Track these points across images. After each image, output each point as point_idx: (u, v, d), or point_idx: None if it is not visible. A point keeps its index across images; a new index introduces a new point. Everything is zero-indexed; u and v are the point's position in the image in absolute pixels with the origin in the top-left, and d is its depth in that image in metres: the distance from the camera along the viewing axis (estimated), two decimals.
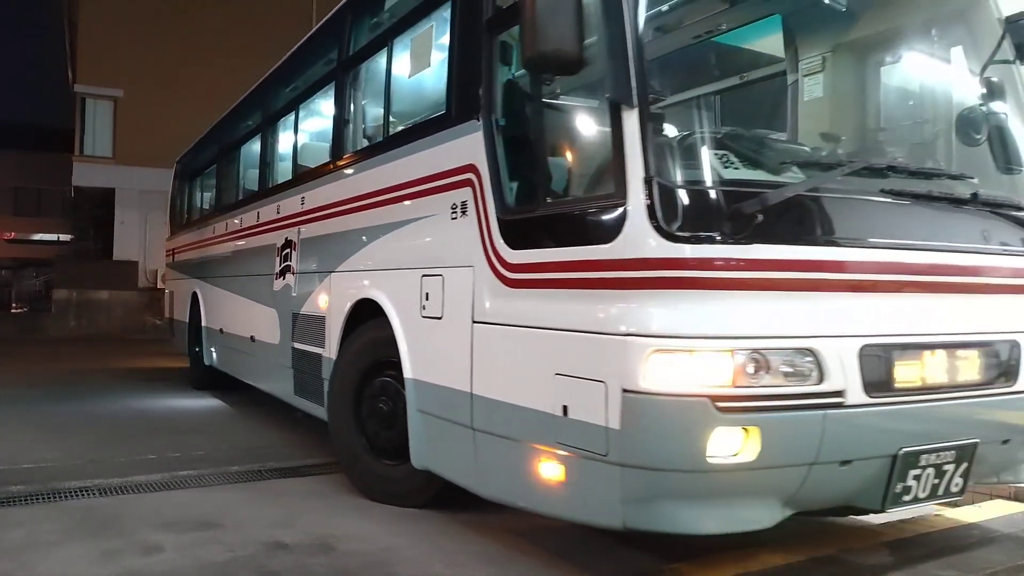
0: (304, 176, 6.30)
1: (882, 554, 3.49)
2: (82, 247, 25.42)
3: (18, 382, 10.33)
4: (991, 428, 3.35)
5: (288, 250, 6.35)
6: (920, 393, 3.11)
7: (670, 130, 3.10)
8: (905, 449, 3.03)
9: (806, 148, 3.86)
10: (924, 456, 3.09)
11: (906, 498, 3.11)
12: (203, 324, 9.38)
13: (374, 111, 5.22)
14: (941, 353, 3.18)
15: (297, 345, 5.96)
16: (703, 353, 2.68)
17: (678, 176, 2.82)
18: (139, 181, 22.42)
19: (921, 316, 3.17)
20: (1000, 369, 3.37)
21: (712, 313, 2.75)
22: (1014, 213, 3.53)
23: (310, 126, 6.77)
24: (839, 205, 3.08)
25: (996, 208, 3.49)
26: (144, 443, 6.27)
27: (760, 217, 2.76)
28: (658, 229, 2.72)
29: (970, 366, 3.27)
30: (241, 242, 7.97)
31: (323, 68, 6.12)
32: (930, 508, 4.19)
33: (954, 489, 3.24)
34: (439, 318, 3.92)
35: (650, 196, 2.73)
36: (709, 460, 2.70)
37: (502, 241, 3.40)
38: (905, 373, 3.07)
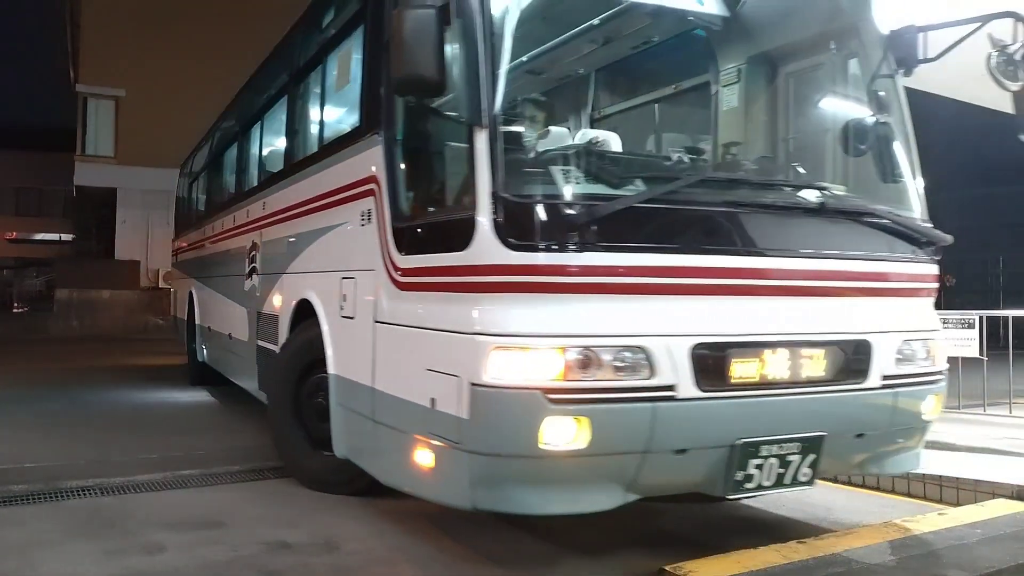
0: (264, 183, 6.67)
1: (885, 553, 3.48)
2: (84, 247, 25.47)
3: (20, 381, 10.34)
4: (840, 422, 3.54)
5: (254, 252, 6.67)
6: (758, 388, 3.32)
7: (519, 148, 3.39)
8: (743, 440, 3.25)
9: (662, 161, 4.10)
10: (765, 447, 3.30)
11: (748, 485, 3.33)
12: (196, 322, 9.56)
13: (312, 124, 5.58)
14: (783, 351, 3.38)
15: (259, 342, 6.18)
16: (536, 350, 2.95)
17: (521, 190, 3.08)
18: (141, 181, 22.44)
19: (762, 317, 3.38)
20: (849, 367, 3.55)
21: (546, 314, 3.02)
22: (868, 220, 3.71)
23: (270, 136, 7.10)
24: (673, 215, 3.29)
25: (849, 216, 3.70)
26: (146, 442, 6.27)
27: (594, 227, 3.03)
28: (501, 238, 3.01)
29: (816, 364, 3.46)
30: (223, 244, 8.24)
31: (277, 83, 6.65)
32: (924, 511, 4.20)
33: (802, 479, 3.44)
34: (352, 318, 4.17)
35: (495, 208, 3.01)
36: (543, 447, 2.95)
37: (394, 246, 3.65)
38: (742, 369, 3.28)
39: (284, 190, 5.84)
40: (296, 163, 5.69)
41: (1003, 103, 4.26)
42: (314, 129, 5.47)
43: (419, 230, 3.56)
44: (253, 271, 6.66)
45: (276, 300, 5.77)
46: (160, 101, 22.73)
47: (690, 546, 3.91)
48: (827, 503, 4.85)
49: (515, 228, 3.02)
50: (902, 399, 3.70)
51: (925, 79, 9.31)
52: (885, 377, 3.63)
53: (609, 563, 3.70)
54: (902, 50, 4.07)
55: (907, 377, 3.71)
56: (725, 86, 4.70)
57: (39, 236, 38.01)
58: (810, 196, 3.73)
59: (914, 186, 4.05)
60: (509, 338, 2.97)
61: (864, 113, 4.23)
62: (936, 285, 3.98)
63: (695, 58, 4.92)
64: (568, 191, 3.18)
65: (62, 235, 34.40)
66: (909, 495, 4.99)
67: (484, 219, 3.04)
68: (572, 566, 3.67)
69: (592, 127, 4.30)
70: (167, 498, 4.73)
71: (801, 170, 4.22)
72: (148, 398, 8.92)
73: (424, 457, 3.34)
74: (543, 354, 2.96)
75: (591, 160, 3.45)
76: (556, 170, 3.26)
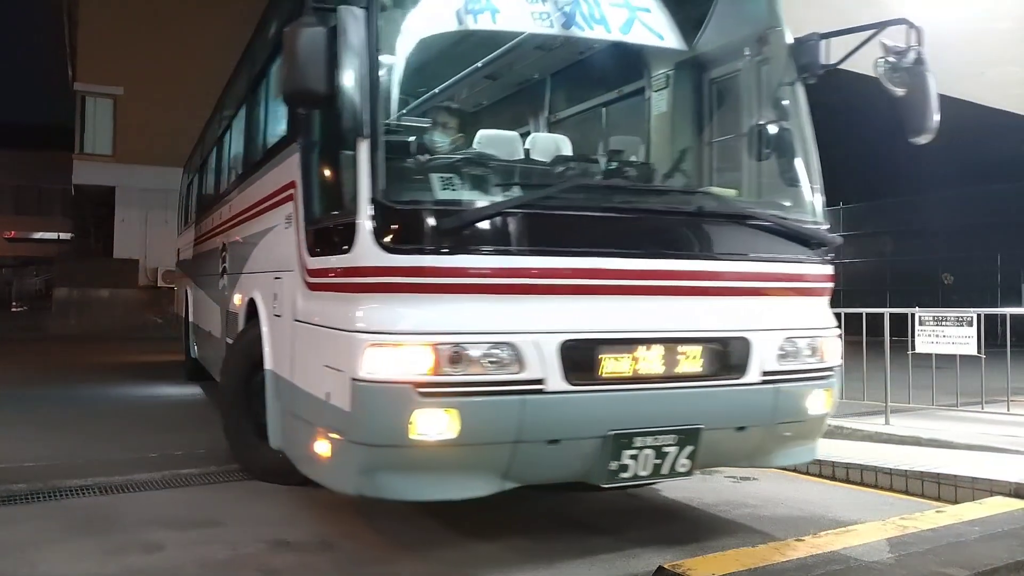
0: (229, 187, 6.97)
1: (883, 550, 3.49)
2: (82, 245, 25.43)
3: (19, 380, 10.34)
4: (718, 416, 3.65)
5: (224, 253, 6.89)
6: (631, 382, 3.46)
7: (401, 157, 3.58)
8: (615, 431, 3.38)
9: (538, 168, 4.28)
10: (639, 438, 3.44)
11: (624, 475, 3.46)
12: (189, 319, 9.69)
13: (259, 132, 5.83)
14: (657, 348, 3.51)
15: (227, 339, 6.37)
16: (407, 347, 3.14)
17: (399, 197, 3.27)
18: (139, 179, 22.41)
19: (635, 315, 3.52)
20: (726, 363, 3.68)
21: (419, 313, 3.21)
22: (748, 223, 3.84)
23: (235, 141, 7.30)
24: (544, 220, 3.44)
25: (728, 219, 3.87)
26: (146, 440, 6.28)
27: (465, 231, 3.23)
28: (378, 242, 3.20)
29: (692, 360, 3.59)
30: (206, 244, 8.52)
31: (238, 90, 7.09)
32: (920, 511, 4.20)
33: (681, 469, 3.57)
34: (280, 316, 4.38)
35: (373, 213, 3.20)
36: (415, 437, 3.13)
37: (306, 248, 3.83)
38: (614, 365, 3.43)
39: (241, 194, 6.10)
40: (248, 168, 5.96)
41: (998, 101, 4.29)
42: (259, 137, 5.73)
43: (322, 233, 3.73)
44: (224, 271, 6.87)
45: (236, 299, 6.00)
46: (158, 99, 22.63)
47: (689, 544, 3.92)
48: (825, 501, 4.86)
49: (391, 232, 3.21)
50: (784, 395, 3.80)
51: None
52: (765, 373, 3.73)
53: (612, 560, 3.71)
54: (806, 57, 4.20)
55: (790, 373, 3.81)
56: (619, 99, 5.05)
57: (38, 235, 37.99)
58: (685, 201, 3.96)
59: (811, 189, 4.15)
60: (383, 336, 3.16)
61: (765, 119, 4.39)
62: (829, 285, 4.09)
63: (597, 71, 5.10)
64: (443, 198, 3.38)
65: (61, 234, 34.36)
66: (907, 492, 5.00)
67: (363, 224, 3.22)
68: (574, 562, 3.68)
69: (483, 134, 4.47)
70: (166, 497, 4.73)
71: (683, 175, 4.33)
72: (146, 394, 8.93)
73: (322, 447, 3.53)
74: (414, 350, 3.14)
75: (468, 168, 3.63)
76: (434, 178, 3.48)
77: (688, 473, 3.63)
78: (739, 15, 4.55)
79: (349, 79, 3.17)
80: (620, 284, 3.51)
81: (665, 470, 3.53)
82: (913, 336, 6.88)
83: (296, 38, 3.18)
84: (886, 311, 7.09)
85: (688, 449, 3.54)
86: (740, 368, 3.69)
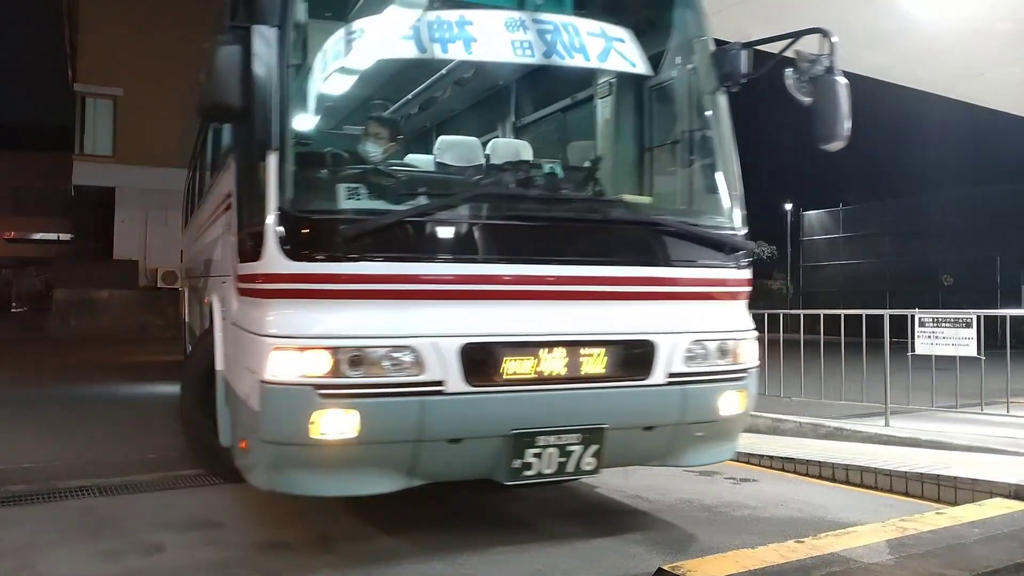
0: (203, 192, 7.19)
1: (883, 552, 3.49)
2: (82, 246, 25.41)
3: (18, 381, 10.34)
4: (623, 416, 3.74)
5: (201, 256, 7.06)
6: (533, 383, 3.56)
7: (307, 169, 3.65)
8: (517, 431, 3.48)
9: (453, 177, 4.37)
10: (542, 438, 3.53)
11: (528, 473, 3.54)
12: (186, 320, 9.79)
13: (220, 139, 5.90)
14: (560, 350, 3.60)
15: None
16: (308, 350, 3.25)
17: (304, 207, 3.38)
18: (139, 180, 22.39)
19: (538, 319, 3.62)
20: (631, 364, 3.76)
21: (320, 318, 3.33)
22: (656, 230, 3.96)
23: (207, 146, 7.36)
24: (445, 228, 3.58)
25: (634, 226, 3.98)
26: (144, 442, 6.27)
27: (367, 239, 3.36)
28: (283, 250, 3.31)
29: (595, 362, 3.69)
30: (194, 245, 8.66)
31: None
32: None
33: (587, 467, 3.65)
34: (225, 319, 4.46)
35: (279, 223, 3.32)
36: (317, 436, 3.26)
37: (236, 255, 3.89)
38: (515, 367, 3.53)
39: (206, 200, 6.29)
40: (212, 174, 6.20)
41: (998, 102, 4.30)
42: (220, 144, 5.82)
43: (245, 241, 3.79)
44: (207, 274, 7.05)
45: (204, 301, 6.19)
46: (158, 100, 22.61)
47: (688, 545, 3.92)
48: (825, 502, 4.86)
49: (295, 241, 3.33)
50: (692, 395, 3.88)
51: (919, 77, 9.34)
52: (671, 375, 3.81)
53: (611, 560, 3.71)
54: (728, 66, 4.27)
55: (698, 375, 3.89)
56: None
57: (37, 236, 37.96)
58: (589, 209, 4.08)
59: (728, 196, 4.22)
60: (286, 339, 3.28)
61: (683, 128, 4.53)
62: (744, 289, 4.17)
63: (520, 85, 5.39)
64: (345, 207, 3.51)
65: (60, 235, 34.36)
66: (907, 494, 5.00)
67: (270, 232, 3.34)
68: (577, 560, 3.68)
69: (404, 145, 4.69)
70: (166, 498, 4.73)
71: (593, 184, 4.42)
72: (145, 395, 8.92)
73: (244, 445, 3.69)
74: (314, 354, 3.26)
75: (375, 178, 3.74)
76: (340, 188, 3.61)
77: (595, 471, 3.71)
78: (664, 29, 4.63)
79: (259, 94, 3.33)
80: (521, 289, 3.62)
81: (571, 468, 3.63)
82: (913, 337, 6.88)
83: (211, 54, 3.31)
84: (886, 312, 7.09)
85: (593, 448, 3.64)
86: (645, 369, 3.77)
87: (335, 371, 3.26)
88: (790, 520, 4.47)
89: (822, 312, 7.55)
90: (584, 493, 4.96)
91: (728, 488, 5.24)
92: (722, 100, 4.29)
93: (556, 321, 3.65)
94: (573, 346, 3.64)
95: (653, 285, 3.89)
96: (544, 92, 5.37)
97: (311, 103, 3.90)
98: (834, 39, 4.01)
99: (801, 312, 7.95)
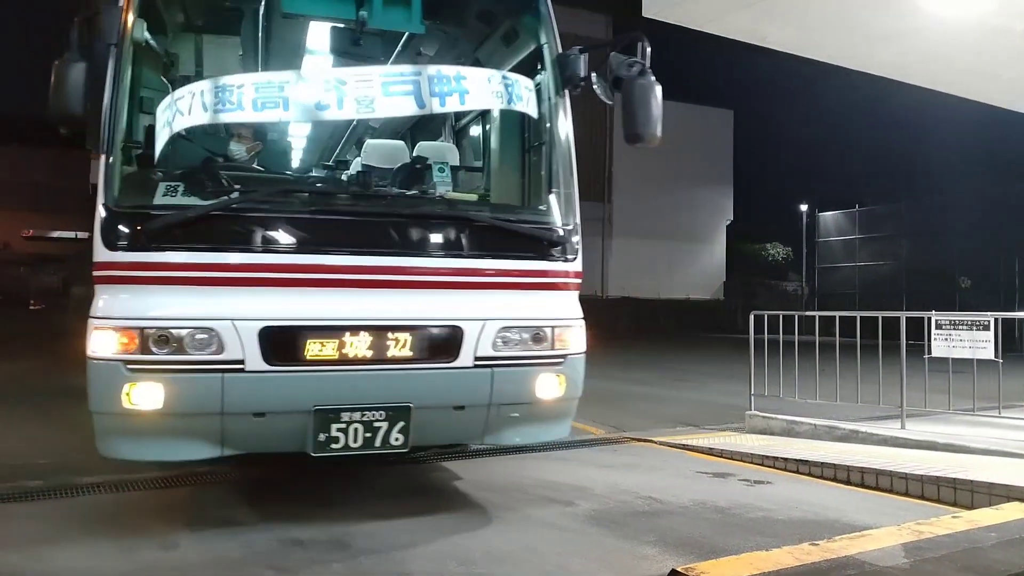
0: None
1: (898, 556, 3.47)
2: None
3: (34, 378, 10.42)
4: (430, 396, 4.01)
5: None
6: (336, 364, 3.86)
7: (130, 170, 4.04)
8: (320, 407, 3.78)
9: (270, 175, 4.62)
10: (346, 414, 3.82)
11: (335, 446, 3.82)
12: None
13: None
14: (364, 334, 3.90)
15: None
16: (121, 330, 3.66)
17: (123, 202, 3.81)
18: None
19: (343, 305, 3.91)
20: (438, 348, 4.04)
21: (133, 301, 3.74)
22: (465, 224, 4.19)
23: None
24: (248, 221, 3.88)
25: (446, 220, 4.19)
26: None
27: (175, 231, 3.73)
28: (105, 240, 3.74)
29: (401, 345, 3.97)
30: None
31: None
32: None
33: (395, 443, 3.91)
34: None
35: (104, 216, 3.76)
36: (129, 407, 3.65)
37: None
38: (318, 348, 3.84)
39: None
40: None
41: (1014, 102, 4.26)
42: None
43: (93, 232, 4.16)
44: None
45: None
46: None
47: (702, 546, 3.91)
48: (840, 505, 4.83)
49: (114, 233, 3.75)
50: (502, 378, 4.14)
51: (936, 77, 9.24)
52: (479, 358, 4.08)
53: (623, 562, 3.70)
54: (568, 70, 4.49)
55: (507, 359, 4.15)
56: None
57: (55, 233, 38.25)
58: (398, 205, 4.26)
59: (557, 193, 4.47)
60: (103, 320, 3.70)
61: (516, 128, 4.85)
62: (567, 280, 4.45)
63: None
64: (159, 203, 3.88)
65: (78, 232, 34.60)
66: (923, 497, 4.96)
67: (98, 225, 3.77)
68: (587, 561, 3.67)
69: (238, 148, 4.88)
70: (181, 494, 4.76)
71: (410, 181, 4.61)
72: None
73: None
74: (127, 333, 3.66)
75: (191, 178, 4.08)
76: (158, 187, 3.97)
77: (403, 447, 3.93)
78: (507, 36, 4.91)
79: (93, 105, 3.79)
80: (325, 278, 3.90)
81: (378, 444, 3.88)
82: (929, 340, 6.83)
83: (57, 70, 3.74)
84: (902, 314, 7.05)
85: (399, 425, 3.89)
86: (451, 353, 4.05)
87: (143, 348, 3.65)
88: (805, 522, 4.45)
89: (837, 314, 7.50)
90: (598, 493, 4.95)
91: (742, 490, 5.22)
92: (558, 103, 4.51)
93: (360, 307, 3.93)
94: (378, 330, 3.93)
95: (461, 275, 4.15)
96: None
97: (139, 114, 4.23)
98: (647, 47, 4.28)
99: (816, 314, 7.90)
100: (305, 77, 4.12)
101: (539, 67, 4.59)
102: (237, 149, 4.60)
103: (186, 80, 4.68)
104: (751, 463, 6.03)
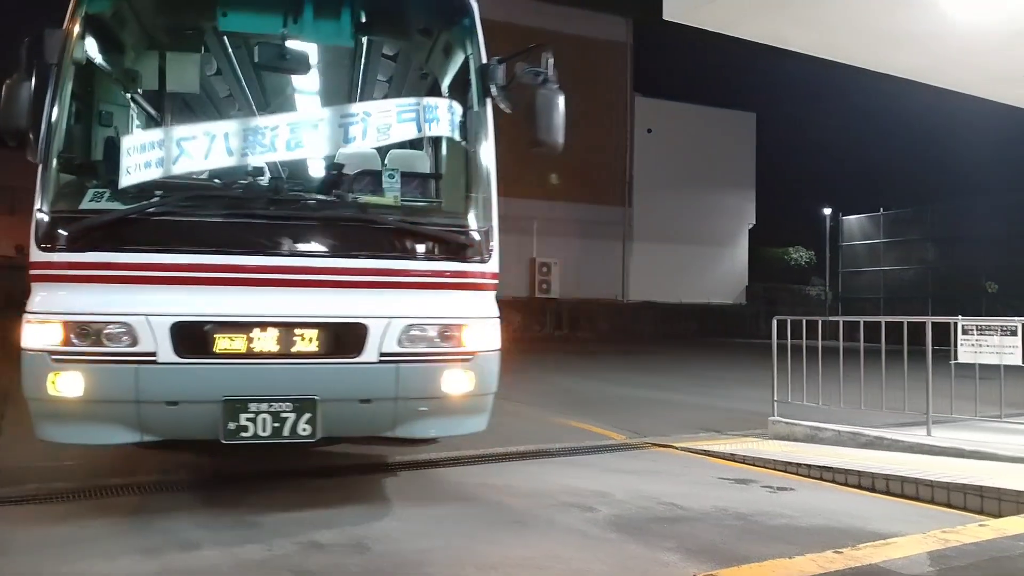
0: None
1: (923, 564, 3.42)
2: None
3: None
4: (336, 389, 4.22)
5: None
6: (245, 357, 4.12)
7: (62, 179, 4.29)
8: (228, 397, 4.03)
9: (193, 183, 4.71)
10: (253, 404, 4.06)
11: (245, 435, 4.05)
12: None
13: None
14: (272, 330, 4.15)
15: None
16: (47, 324, 4.02)
17: (53, 207, 4.12)
18: None
19: (253, 303, 4.16)
20: (343, 344, 4.25)
21: (57, 297, 4.08)
22: (374, 228, 4.40)
23: None
24: (164, 225, 4.19)
25: (353, 224, 4.43)
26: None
27: (95, 234, 4.07)
28: (37, 241, 4.06)
29: (307, 340, 4.21)
30: None
31: None
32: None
33: (303, 433, 4.12)
34: None
35: (37, 220, 4.07)
36: (54, 394, 3.99)
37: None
38: (226, 343, 4.11)
39: None
40: None
41: None
42: None
43: None
44: None
45: None
46: None
47: (723, 553, 3.88)
48: (864, 513, 4.78)
49: (43, 235, 4.06)
50: (407, 373, 4.32)
51: (958, 79, 9.12)
52: (383, 354, 4.27)
53: (640, 569, 3.68)
54: (487, 80, 4.62)
55: (413, 355, 4.33)
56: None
57: None
58: (306, 208, 4.45)
59: (471, 198, 4.63)
60: (32, 315, 4.04)
61: (434, 135, 4.93)
62: (480, 280, 4.57)
63: (286, 95, 6.07)
64: (84, 208, 4.16)
65: None
66: (949, 505, 4.89)
67: (33, 227, 4.06)
68: (604, 570, 3.66)
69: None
70: (204, 497, 4.80)
71: (325, 187, 4.74)
72: None
73: None
74: (51, 326, 4.01)
75: (113, 185, 4.24)
76: (87, 193, 4.25)
77: (311, 437, 4.13)
78: (432, 49, 5.19)
79: (35, 120, 4.15)
80: (235, 276, 4.18)
81: (287, 433, 4.09)
82: (956, 345, 6.74)
83: (5, 87, 4.08)
84: (928, 320, 6.96)
85: (307, 416, 4.11)
86: (356, 349, 4.24)
87: (66, 341, 3.99)
88: (828, 530, 4.41)
89: (862, 319, 7.44)
90: (619, 499, 4.93)
91: (764, 496, 5.18)
92: (477, 111, 4.64)
93: (268, 304, 4.18)
94: (284, 326, 4.18)
95: (366, 275, 4.35)
96: (301, 101, 6.17)
97: (75, 127, 4.57)
98: (551, 58, 4.48)
99: (840, 319, 7.84)
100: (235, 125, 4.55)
101: (463, 77, 4.76)
102: (123, 166, 4.92)
103: (123, 95, 5.24)
104: (774, 469, 5.98)
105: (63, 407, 4.04)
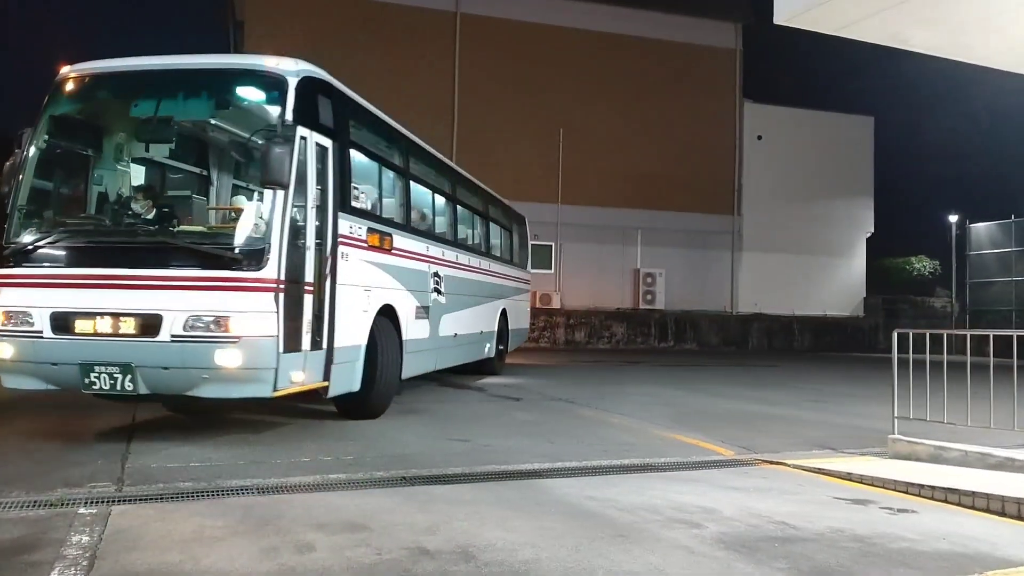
0: None
1: None
2: None
3: None
4: (145, 359, 6.23)
5: None
6: (91, 336, 6.31)
7: (14, 222, 6.82)
8: (84, 361, 6.25)
9: (78, 221, 7.23)
10: (96, 367, 6.24)
11: (94, 388, 6.29)
12: None
13: None
14: (107, 317, 6.31)
15: None
16: None
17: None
18: None
19: (97, 299, 6.35)
20: (148, 328, 6.24)
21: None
22: (168, 247, 6.55)
23: None
24: (51, 249, 6.63)
25: (156, 245, 6.60)
26: (299, 446, 6.63)
27: (13, 257, 6.62)
28: None
29: (127, 325, 6.29)
30: None
31: None
32: None
33: (128, 388, 6.25)
34: None
35: None
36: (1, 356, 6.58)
37: None
38: (80, 325, 6.34)
39: None
40: None
41: None
42: None
43: None
44: None
45: None
46: None
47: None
48: (991, 537, 4.50)
49: None
50: (190, 350, 6.19)
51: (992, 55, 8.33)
52: (174, 336, 6.20)
53: None
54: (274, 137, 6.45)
55: (193, 337, 6.18)
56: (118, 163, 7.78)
57: None
58: (128, 235, 6.86)
59: (245, 225, 6.49)
60: None
61: (233, 179, 8.07)
62: (244, 284, 6.24)
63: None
64: (13, 241, 6.71)
65: None
66: None
67: None
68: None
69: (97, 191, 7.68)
70: (317, 500, 4.96)
71: (147, 222, 6.91)
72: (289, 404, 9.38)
73: None
74: None
75: (32, 227, 6.86)
76: (21, 229, 6.79)
77: (135, 392, 6.26)
78: (250, 117, 7.28)
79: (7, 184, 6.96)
80: (85, 282, 6.42)
81: (118, 388, 6.26)
82: None
83: (6, 164, 6.77)
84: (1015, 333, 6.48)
85: (128, 376, 6.23)
86: (157, 332, 6.21)
87: (3, 323, 6.53)
88: (952, 555, 4.17)
89: (992, 332, 7.00)
90: (727, 516, 4.82)
91: (884, 518, 4.94)
92: (268, 153, 6.23)
93: (104, 301, 6.33)
94: (113, 315, 6.30)
95: (164, 281, 6.32)
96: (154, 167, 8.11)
97: (29, 190, 6.97)
98: (291, 95, 6.65)
99: (968, 332, 7.40)
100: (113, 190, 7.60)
101: (259, 137, 6.81)
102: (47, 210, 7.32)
103: (47, 176, 7.31)
104: (893, 490, 5.70)
105: (3, 365, 6.61)
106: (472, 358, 12.98)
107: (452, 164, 13.33)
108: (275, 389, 6.28)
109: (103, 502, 4.75)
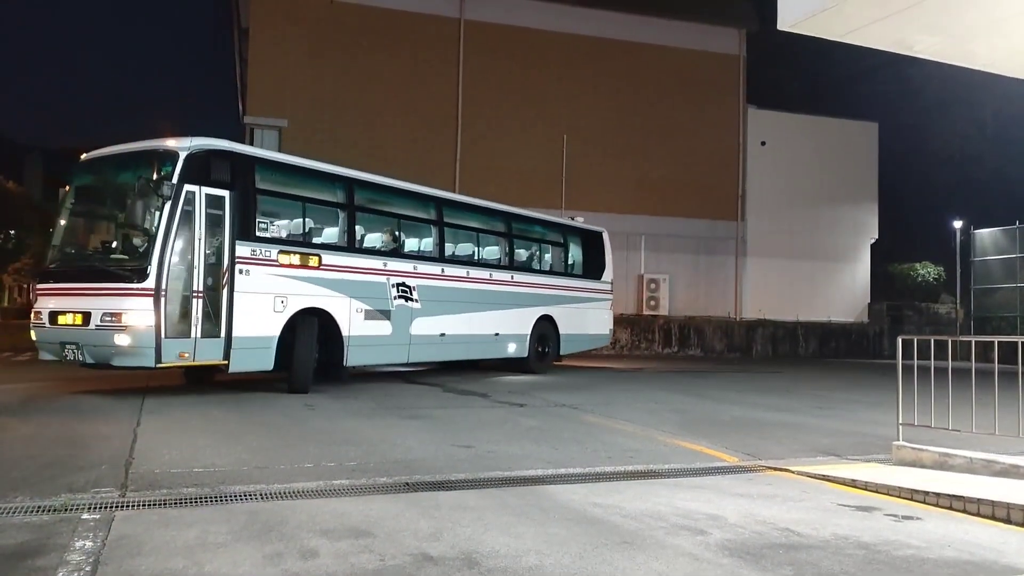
0: None
1: None
2: None
3: (194, 390, 11.14)
4: (86, 339, 9.53)
5: None
6: (60, 326, 9.79)
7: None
8: (61, 341, 9.84)
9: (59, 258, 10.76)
10: (67, 345, 9.69)
11: (68, 358, 9.78)
12: None
13: None
14: (70, 314, 9.66)
15: None
16: (35, 312, 10.38)
17: (39, 268, 11.83)
18: None
19: (62, 303, 9.87)
20: (86, 318, 9.55)
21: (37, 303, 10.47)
22: (95, 270, 9.83)
23: None
24: (46, 273, 10.65)
25: (88, 269, 10.03)
26: (303, 451, 6.63)
27: (39, 277, 10.83)
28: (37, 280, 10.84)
29: (76, 319, 9.63)
30: None
31: None
32: None
33: (82, 359, 9.64)
34: None
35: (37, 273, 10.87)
36: (33, 338, 10.41)
37: None
38: (60, 319, 9.77)
39: None
40: None
41: None
42: None
43: None
44: None
45: None
46: (317, 127, 24.35)
47: None
48: (998, 545, 4.48)
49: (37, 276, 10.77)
50: (103, 334, 9.32)
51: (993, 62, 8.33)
52: (96, 326, 9.35)
53: None
54: (169, 192, 9.67)
55: (103, 326, 9.31)
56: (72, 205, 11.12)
57: None
58: (75, 263, 10.44)
59: (134, 250, 9.76)
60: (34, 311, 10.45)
61: (136, 224, 9.75)
62: (132, 291, 9.28)
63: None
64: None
65: None
66: None
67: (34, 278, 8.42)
68: None
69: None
70: (320, 505, 4.96)
71: (90, 254, 10.50)
72: (301, 407, 9.40)
73: None
74: (37, 315, 10.23)
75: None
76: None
77: (86, 362, 9.59)
78: (152, 180, 9.73)
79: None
80: (57, 294, 9.95)
81: (79, 359, 9.60)
82: None
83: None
84: (1019, 339, 6.45)
85: (81, 351, 9.53)
86: (89, 323, 9.49)
87: (35, 319, 10.10)
88: (959, 562, 4.15)
89: (996, 338, 6.98)
90: (732, 523, 4.80)
91: (889, 525, 4.93)
92: (160, 205, 9.50)
93: (65, 304, 9.71)
94: (72, 312, 9.56)
95: (93, 290, 9.56)
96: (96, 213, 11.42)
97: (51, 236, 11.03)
98: (180, 164, 9.76)
99: (972, 338, 7.36)
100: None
101: (158, 192, 9.57)
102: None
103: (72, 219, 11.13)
104: (898, 497, 5.68)
105: (39, 344, 10.15)
106: (480, 355, 15.06)
107: (453, 195, 15.53)
108: (159, 362, 9.28)
109: (107, 507, 4.75)
